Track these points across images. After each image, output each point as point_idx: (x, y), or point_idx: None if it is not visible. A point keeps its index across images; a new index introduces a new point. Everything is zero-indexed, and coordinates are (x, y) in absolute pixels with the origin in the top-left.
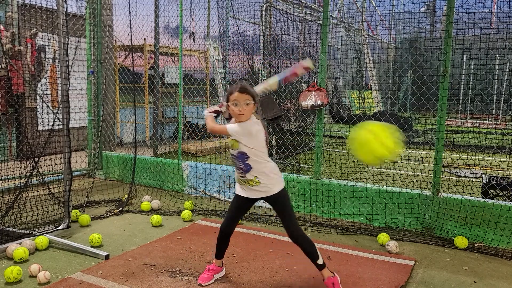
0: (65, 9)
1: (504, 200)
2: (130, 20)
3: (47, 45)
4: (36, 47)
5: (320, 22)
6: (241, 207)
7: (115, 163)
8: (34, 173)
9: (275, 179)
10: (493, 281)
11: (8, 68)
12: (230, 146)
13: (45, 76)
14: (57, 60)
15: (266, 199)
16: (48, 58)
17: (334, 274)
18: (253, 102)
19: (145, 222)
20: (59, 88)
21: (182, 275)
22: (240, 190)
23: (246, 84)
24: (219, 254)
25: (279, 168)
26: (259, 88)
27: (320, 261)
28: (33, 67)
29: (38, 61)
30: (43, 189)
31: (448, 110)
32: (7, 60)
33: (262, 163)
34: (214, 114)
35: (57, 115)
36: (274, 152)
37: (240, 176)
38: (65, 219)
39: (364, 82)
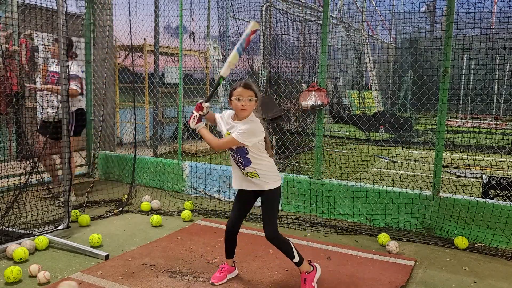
0: (65, 9)
1: (505, 200)
2: (130, 20)
3: (42, 44)
4: (30, 47)
5: (320, 22)
6: (243, 202)
7: (114, 163)
8: (33, 173)
9: (272, 177)
10: (493, 282)
11: (6, 68)
12: None
13: (39, 76)
14: (50, 60)
15: (260, 193)
16: (42, 57)
17: (312, 269)
18: (255, 98)
19: (145, 222)
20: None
21: (182, 275)
22: (239, 183)
23: (250, 80)
24: (228, 253)
25: (279, 168)
26: (224, 70)
27: (295, 260)
28: (27, 67)
29: (32, 60)
30: (42, 189)
31: (449, 110)
32: (3, 60)
33: (261, 159)
34: (202, 123)
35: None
36: (274, 152)
37: (240, 169)
38: (65, 219)
39: (364, 82)
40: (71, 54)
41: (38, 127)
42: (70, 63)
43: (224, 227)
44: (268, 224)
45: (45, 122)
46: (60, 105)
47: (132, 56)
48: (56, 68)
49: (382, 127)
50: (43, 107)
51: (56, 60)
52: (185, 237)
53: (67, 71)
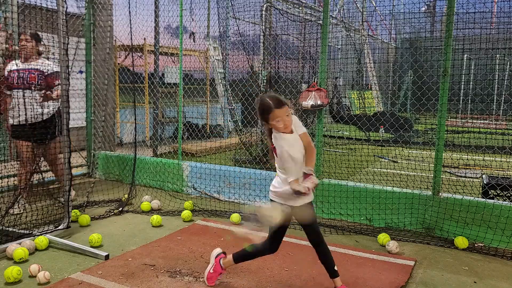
0: (65, 9)
1: (505, 200)
2: (130, 20)
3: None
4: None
5: (320, 22)
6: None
7: (114, 163)
8: (33, 173)
9: None
10: (493, 282)
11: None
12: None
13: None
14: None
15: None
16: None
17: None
18: (291, 110)
19: (145, 222)
20: None
21: (182, 275)
22: (287, 200)
23: (275, 94)
24: (243, 261)
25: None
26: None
27: (336, 267)
28: None
29: None
30: (42, 189)
31: (449, 110)
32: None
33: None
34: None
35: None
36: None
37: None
38: (65, 219)
39: (364, 82)
40: (39, 51)
41: (13, 133)
42: (41, 61)
43: (224, 226)
44: (318, 231)
45: (23, 125)
46: (50, 105)
47: (132, 56)
48: (21, 65)
49: (382, 127)
50: (20, 109)
51: (21, 58)
52: (185, 237)
53: (67, 71)
